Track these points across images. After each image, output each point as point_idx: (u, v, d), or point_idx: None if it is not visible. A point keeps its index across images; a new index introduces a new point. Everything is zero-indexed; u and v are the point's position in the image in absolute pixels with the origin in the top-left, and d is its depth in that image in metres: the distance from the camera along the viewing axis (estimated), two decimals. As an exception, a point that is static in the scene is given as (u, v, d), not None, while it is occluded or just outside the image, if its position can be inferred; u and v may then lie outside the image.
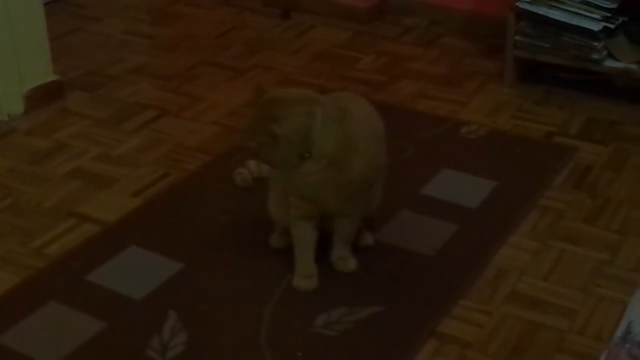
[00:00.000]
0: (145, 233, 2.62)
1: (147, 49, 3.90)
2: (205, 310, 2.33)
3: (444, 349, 2.18)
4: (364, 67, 3.68)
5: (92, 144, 3.11)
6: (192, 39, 3.95)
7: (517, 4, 3.29)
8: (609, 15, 3.18)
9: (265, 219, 2.55)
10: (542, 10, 3.25)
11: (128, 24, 4.12)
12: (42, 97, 3.33)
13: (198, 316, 2.30)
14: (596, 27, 3.17)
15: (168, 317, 2.28)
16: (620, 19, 3.21)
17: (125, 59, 3.76)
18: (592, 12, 3.19)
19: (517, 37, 3.35)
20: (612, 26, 3.20)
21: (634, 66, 3.19)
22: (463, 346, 2.19)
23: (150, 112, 3.32)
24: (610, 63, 3.24)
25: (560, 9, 3.23)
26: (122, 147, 3.09)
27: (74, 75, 3.59)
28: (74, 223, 2.69)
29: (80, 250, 2.57)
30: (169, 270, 2.46)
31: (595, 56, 3.21)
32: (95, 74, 3.62)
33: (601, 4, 3.17)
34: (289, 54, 3.80)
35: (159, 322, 2.26)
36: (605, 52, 3.23)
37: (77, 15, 4.18)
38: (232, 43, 3.91)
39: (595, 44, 3.20)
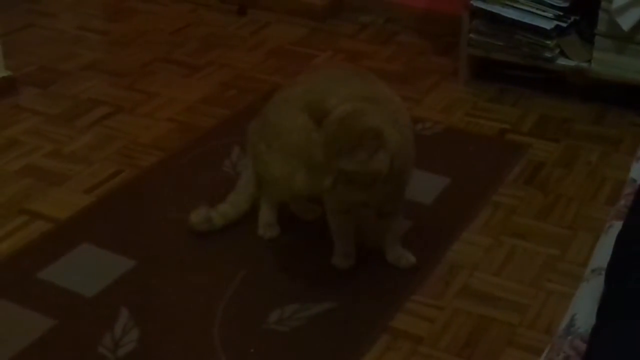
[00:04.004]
0: (97, 230, 2.60)
1: (101, 45, 3.86)
2: (158, 307, 2.31)
3: (397, 344, 2.20)
4: (320, 64, 3.68)
5: (45, 140, 3.08)
6: (147, 35, 3.93)
7: (471, 2, 3.32)
8: (561, 13, 3.22)
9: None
10: (495, 9, 3.28)
11: (82, 19, 4.07)
12: (-7, 93, 3.30)
13: (150, 313, 2.28)
14: (548, 25, 3.21)
15: (120, 315, 2.26)
16: (572, 18, 3.25)
17: (79, 55, 3.72)
18: (544, 11, 3.22)
19: (471, 35, 3.38)
20: (564, 25, 3.23)
21: (585, 64, 3.23)
22: (415, 341, 2.20)
23: (104, 108, 3.29)
24: (562, 61, 3.28)
25: (514, 7, 3.25)
26: (74, 144, 3.06)
27: (27, 71, 3.55)
28: (25, 220, 2.65)
29: (32, 247, 2.54)
30: (121, 267, 2.44)
31: (547, 54, 3.25)
32: (48, 70, 3.58)
33: (553, 3, 3.21)
34: (245, 51, 3.79)
35: (110, 319, 2.25)
36: (557, 51, 3.27)
37: (30, 11, 4.13)
38: (188, 39, 3.89)
39: (548, 42, 3.23)
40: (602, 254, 1.62)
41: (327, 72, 2.64)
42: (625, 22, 3.06)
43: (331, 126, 2.11)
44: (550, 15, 3.21)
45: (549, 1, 3.21)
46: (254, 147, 2.52)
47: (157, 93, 3.41)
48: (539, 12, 3.22)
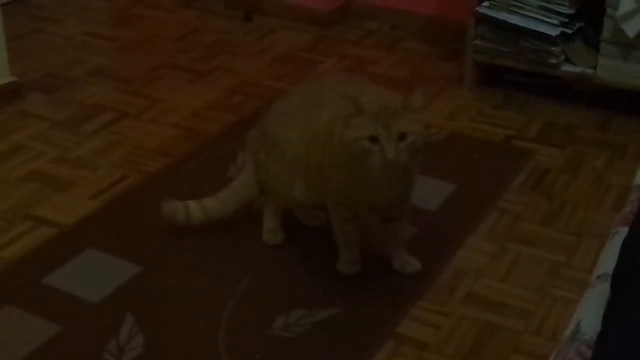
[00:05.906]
0: (102, 236, 2.60)
1: (106, 51, 3.87)
2: (163, 312, 2.31)
3: (402, 351, 2.19)
4: (325, 71, 3.68)
5: (50, 146, 3.08)
6: (153, 41, 3.93)
7: (476, 8, 3.32)
8: (566, 20, 3.22)
9: (224, 221, 2.56)
10: (501, 15, 3.28)
11: (88, 25, 4.08)
12: (-1, 98, 3.30)
13: (155, 319, 2.28)
14: (554, 32, 3.21)
15: (125, 320, 2.26)
16: (578, 24, 3.25)
17: (85, 60, 3.73)
18: (550, 18, 3.22)
19: (476, 42, 3.38)
20: (569, 31, 3.23)
21: (590, 71, 3.23)
22: (420, 347, 2.20)
23: (109, 114, 3.29)
24: (567, 67, 3.28)
25: (519, 14, 3.26)
26: (80, 149, 3.07)
27: (32, 76, 3.55)
28: (30, 226, 2.66)
29: (37, 253, 2.54)
30: (127, 272, 2.44)
31: (553, 61, 3.25)
32: (53, 76, 3.59)
33: (559, 10, 3.21)
34: (250, 57, 3.79)
35: (115, 325, 2.25)
36: (562, 57, 3.26)
37: (36, 17, 4.14)
38: (193, 45, 3.89)
39: (553, 48, 3.23)
40: (608, 260, 1.62)
41: (323, 82, 2.69)
42: (631, 29, 3.06)
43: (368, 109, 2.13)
44: (555, 21, 3.21)
45: (554, 8, 3.21)
46: (255, 155, 2.54)
47: (163, 99, 3.42)
48: (544, 18, 3.22)
